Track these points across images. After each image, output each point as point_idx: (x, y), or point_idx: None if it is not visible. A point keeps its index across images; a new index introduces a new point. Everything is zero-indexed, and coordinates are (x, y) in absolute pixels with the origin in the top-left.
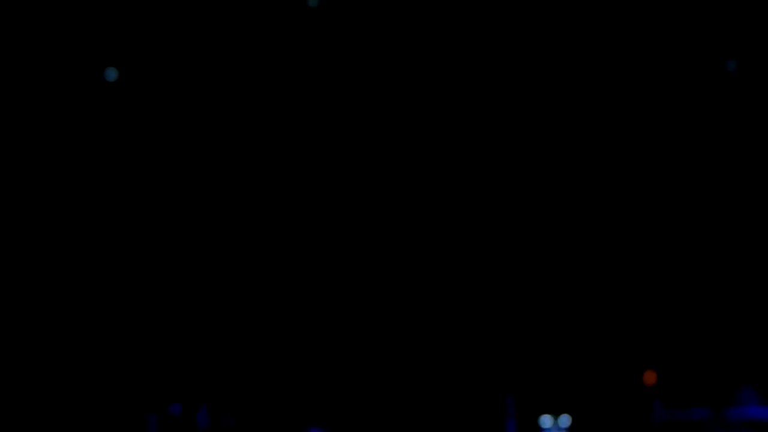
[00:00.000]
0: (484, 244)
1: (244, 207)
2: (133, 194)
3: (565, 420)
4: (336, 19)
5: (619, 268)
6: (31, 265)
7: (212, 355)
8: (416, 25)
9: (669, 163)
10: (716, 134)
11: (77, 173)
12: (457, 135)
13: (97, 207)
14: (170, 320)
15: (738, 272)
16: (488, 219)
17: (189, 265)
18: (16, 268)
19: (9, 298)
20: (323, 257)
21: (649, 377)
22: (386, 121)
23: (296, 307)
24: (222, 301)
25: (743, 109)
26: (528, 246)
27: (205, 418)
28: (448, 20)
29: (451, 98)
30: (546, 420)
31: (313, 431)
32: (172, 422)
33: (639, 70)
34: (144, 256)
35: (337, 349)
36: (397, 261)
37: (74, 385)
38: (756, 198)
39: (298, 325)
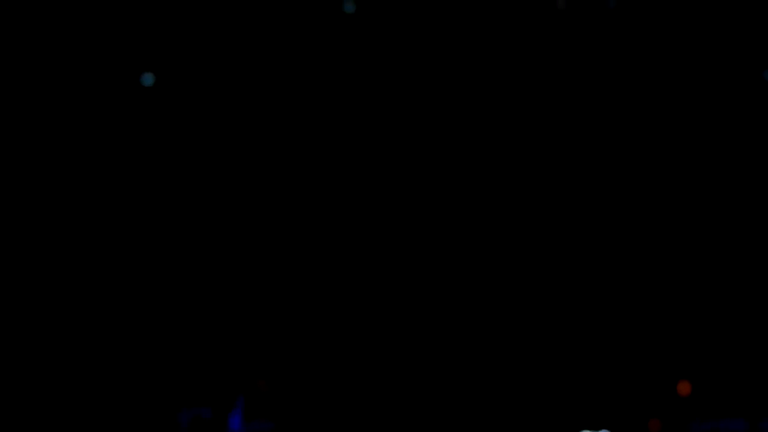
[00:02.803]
0: (505, 260)
1: (270, 209)
2: (152, 195)
3: None
4: (373, 26)
5: (652, 279)
6: (53, 264)
7: (246, 355)
8: (453, 37)
9: (702, 173)
10: (750, 143)
11: (103, 174)
12: (461, 137)
13: (123, 206)
14: (199, 319)
15: None
16: (509, 233)
17: (219, 265)
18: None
19: (34, 298)
20: (345, 260)
21: (684, 388)
22: (412, 125)
23: (328, 307)
24: (255, 300)
25: None
26: (552, 259)
27: (239, 422)
28: (487, 32)
29: (474, 105)
30: None
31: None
32: (203, 426)
33: (673, 77)
34: (170, 254)
35: (371, 350)
36: (417, 271)
37: (100, 387)
38: None
39: (333, 324)
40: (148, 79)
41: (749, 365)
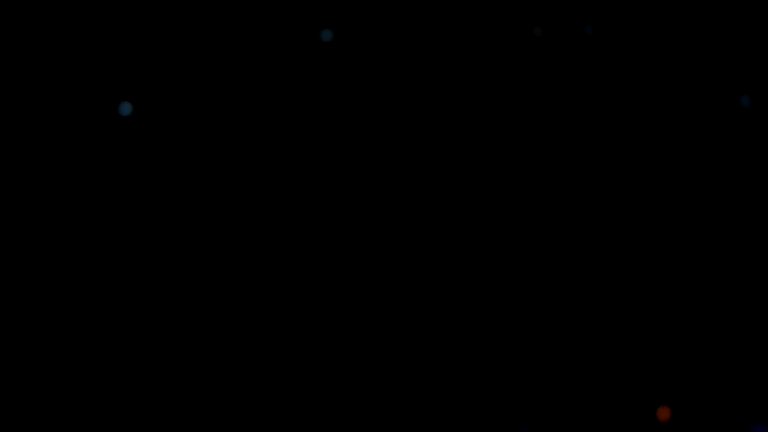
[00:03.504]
0: (487, 279)
1: (267, 236)
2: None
3: None
4: (350, 54)
5: (625, 302)
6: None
7: (228, 379)
8: (432, 65)
9: (672, 204)
10: (729, 169)
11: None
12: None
13: (115, 226)
14: (177, 347)
15: (756, 304)
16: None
17: (195, 288)
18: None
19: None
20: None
21: (663, 413)
22: (394, 153)
23: (318, 328)
24: (240, 323)
25: (757, 146)
26: (533, 279)
27: None
28: (464, 60)
29: (457, 134)
30: None
31: None
32: None
33: (650, 104)
34: (160, 276)
35: (358, 371)
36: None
37: (74, 414)
38: None
39: (319, 345)
40: (125, 108)
41: (730, 389)
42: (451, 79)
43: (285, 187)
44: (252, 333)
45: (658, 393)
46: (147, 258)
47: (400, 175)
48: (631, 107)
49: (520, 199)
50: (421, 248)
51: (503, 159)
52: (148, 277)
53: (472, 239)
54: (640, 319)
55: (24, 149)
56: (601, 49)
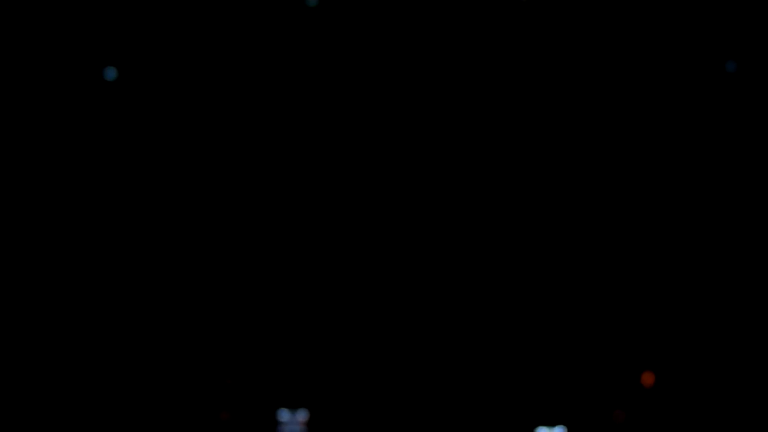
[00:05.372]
0: (474, 257)
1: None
2: (135, 195)
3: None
4: (336, 19)
5: (611, 267)
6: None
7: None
8: (417, 26)
9: (670, 167)
10: (716, 136)
11: (75, 173)
12: (456, 135)
13: (101, 210)
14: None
15: (738, 273)
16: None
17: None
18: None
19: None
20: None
21: (647, 379)
22: (385, 121)
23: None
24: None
25: (743, 111)
26: (518, 252)
27: None
28: (448, 22)
29: (450, 99)
30: None
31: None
32: None
33: (637, 72)
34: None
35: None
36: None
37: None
38: (757, 201)
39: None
40: (110, 73)
41: (715, 354)
42: (437, 44)
43: (267, 152)
44: (238, 322)
45: (644, 360)
46: (128, 224)
47: (381, 139)
48: (616, 70)
49: (503, 166)
50: (390, 205)
51: (489, 120)
52: (129, 248)
53: (440, 195)
54: (626, 291)
55: (10, 113)
56: (584, 13)
